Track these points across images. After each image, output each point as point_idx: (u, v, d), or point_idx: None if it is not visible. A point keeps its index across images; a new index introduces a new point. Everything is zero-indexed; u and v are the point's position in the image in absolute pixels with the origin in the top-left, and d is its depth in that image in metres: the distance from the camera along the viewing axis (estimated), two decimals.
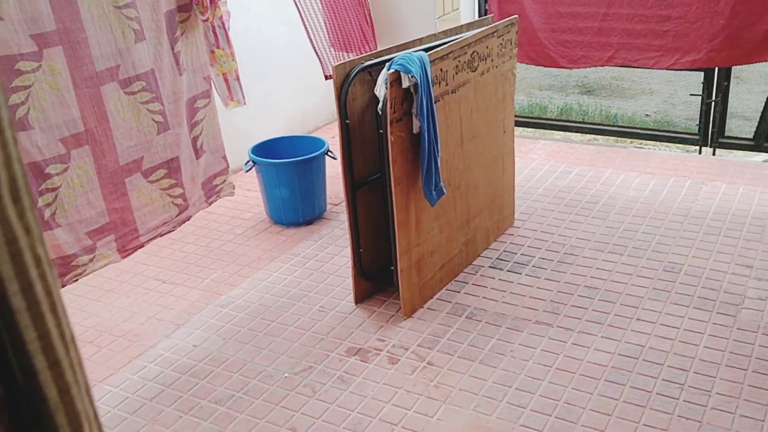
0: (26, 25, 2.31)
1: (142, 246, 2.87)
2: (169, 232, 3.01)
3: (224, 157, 3.25)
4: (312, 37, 4.17)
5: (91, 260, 2.65)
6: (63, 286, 2.58)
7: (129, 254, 2.82)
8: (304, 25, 4.12)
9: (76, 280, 2.64)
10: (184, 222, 3.07)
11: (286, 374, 2.81)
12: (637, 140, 5.21)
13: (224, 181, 3.27)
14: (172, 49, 2.87)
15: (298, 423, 2.55)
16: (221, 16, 3.06)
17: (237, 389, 2.74)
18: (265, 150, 4.08)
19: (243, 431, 2.53)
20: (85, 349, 3.03)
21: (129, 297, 3.41)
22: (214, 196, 3.23)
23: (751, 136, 4.59)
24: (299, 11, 4.09)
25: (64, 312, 0.45)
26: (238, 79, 3.27)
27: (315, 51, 4.18)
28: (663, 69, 4.48)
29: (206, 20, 2.98)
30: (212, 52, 3.11)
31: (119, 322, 3.21)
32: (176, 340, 3.06)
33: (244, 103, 3.33)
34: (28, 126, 2.36)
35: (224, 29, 3.12)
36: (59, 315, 0.45)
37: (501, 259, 3.53)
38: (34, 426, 0.44)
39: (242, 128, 4.78)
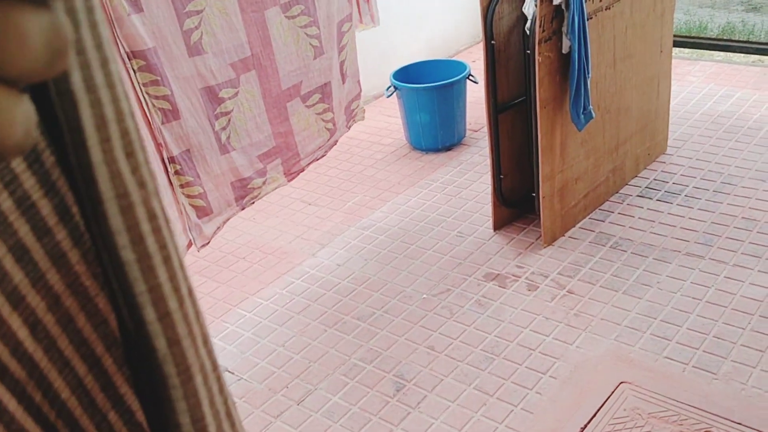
0: None
1: (303, 170, 2.95)
2: (323, 156, 3.09)
3: (359, 82, 3.27)
4: None
5: (264, 183, 2.76)
6: (242, 209, 2.69)
7: (293, 177, 2.91)
8: None
9: (253, 202, 2.74)
10: (333, 146, 3.14)
11: (425, 295, 2.87)
12: None
13: (358, 105, 3.30)
14: None
15: (436, 342, 2.61)
16: None
17: (378, 307, 2.83)
18: (407, 74, 4.06)
19: (383, 347, 2.63)
20: (237, 264, 3.23)
21: (278, 217, 3.58)
22: (352, 120, 3.28)
23: None
24: None
25: (182, 265, 0.45)
26: (369, 0, 3.24)
27: None
28: None
29: None
30: None
31: (269, 240, 3.39)
32: (321, 259, 3.19)
33: (376, 25, 3.29)
34: (202, 50, 2.44)
35: None
36: (174, 268, 0.44)
37: (650, 188, 3.37)
38: (145, 373, 0.45)
39: (384, 52, 4.79)
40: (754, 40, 5.34)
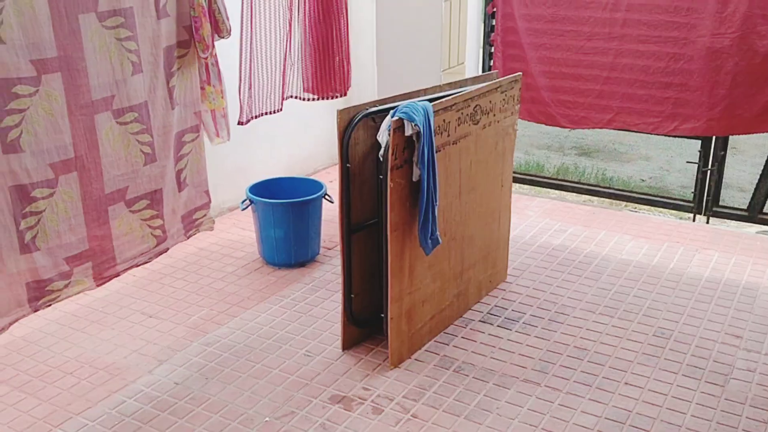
0: (28, 50, 2.33)
1: (117, 275, 2.85)
2: (145, 263, 3.00)
3: (206, 192, 3.25)
4: (242, 77, 3.82)
5: (66, 286, 2.63)
6: (35, 311, 2.55)
7: (104, 282, 2.80)
8: (240, 64, 3.76)
9: (50, 305, 2.61)
10: (161, 254, 3.06)
11: (267, 418, 2.75)
12: (632, 204, 5.24)
13: (204, 215, 3.27)
14: (167, 83, 2.90)
15: None
16: (215, 54, 3.11)
17: (216, 431, 2.68)
18: (263, 189, 4.08)
19: None
20: (64, 380, 2.97)
21: (113, 329, 3.36)
22: (194, 229, 3.23)
23: (745, 206, 4.62)
24: (241, 46, 3.74)
25: None
26: (225, 116, 3.30)
27: (239, 92, 3.82)
28: (662, 134, 4.53)
29: (206, 58, 3.03)
30: (202, 88, 3.14)
31: (102, 354, 3.16)
32: (158, 376, 3.01)
33: (228, 140, 3.35)
34: (18, 149, 2.36)
35: (217, 67, 3.17)
36: None
37: (492, 314, 3.51)
38: None
39: (242, 166, 4.80)
40: (585, 181, 5.88)
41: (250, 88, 3.87)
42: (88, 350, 3.18)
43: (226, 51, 3.89)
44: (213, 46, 3.05)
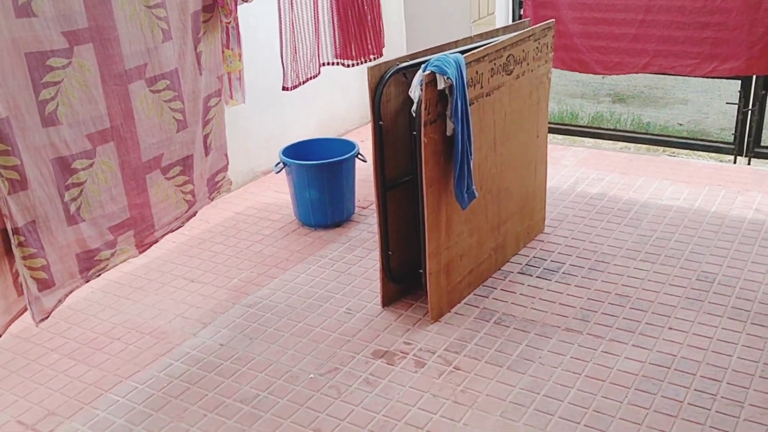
0: (59, 22, 2.34)
1: (156, 241, 2.90)
2: (179, 227, 3.04)
3: (226, 155, 3.28)
4: (283, 44, 3.77)
5: (112, 255, 2.68)
6: (87, 281, 2.60)
7: (145, 249, 2.84)
8: (280, 31, 3.73)
9: (99, 275, 2.66)
10: (191, 217, 3.10)
11: (312, 375, 2.80)
12: (670, 149, 5.13)
13: (224, 177, 3.30)
14: (195, 48, 2.89)
15: (323, 424, 2.53)
16: (236, 17, 3.08)
17: (262, 389, 2.73)
18: (296, 152, 4.08)
19: (267, 431, 2.52)
20: (112, 345, 3.05)
21: (157, 295, 3.43)
22: (216, 192, 3.27)
23: None
24: (279, 13, 3.70)
25: None
26: (240, 79, 3.29)
27: (281, 58, 3.79)
28: (701, 76, 4.40)
29: (228, 23, 3.01)
30: (222, 51, 3.13)
31: (147, 320, 3.23)
32: (203, 339, 3.07)
33: (244, 102, 3.34)
34: (56, 121, 2.38)
35: (237, 30, 3.15)
36: None
37: (530, 265, 3.49)
38: None
39: (274, 130, 4.80)
40: (620, 128, 5.76)
41: (294, 53, 3.83)
42: (133, 316, 3.26)
43: (268, 18, 3.84)
44: (236, 9, 3.03)
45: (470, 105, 2.89)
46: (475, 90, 2.96)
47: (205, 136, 3.08)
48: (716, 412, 2.47)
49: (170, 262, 3.72)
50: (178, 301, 3.37)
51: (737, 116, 4.54)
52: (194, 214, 3.13)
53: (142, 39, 2.64)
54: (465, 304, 3.21)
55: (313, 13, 3.90)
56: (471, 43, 3.18)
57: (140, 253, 2.82)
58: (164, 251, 3.80)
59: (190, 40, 2.85)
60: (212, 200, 3.28)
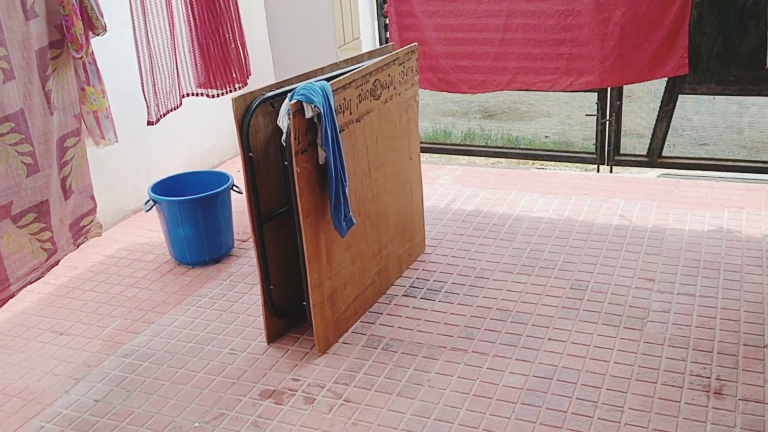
0: None
1: (13, 296, 2.68)
2: (38, 279, 2.83)
3: (92, 197, 3.10)
4: (143, 76, 3.65)
5: None
6: None
7: (0, 306, 2.63)
8: (139, 63, 3.62)
9: None
10: (53, 267, 2.90)
11: (197, 424, 2.67)
12: (538, 161, 5.35)
13: (92, 221, 3.12)
14: (43, 87, 2.72)
15: None
16: (92, 53, 2.94)
17: None
18: (167, 187, 3.92)
19: None
20: None
21: (23, 352, 3.17)
22: (82, 237, 3.09)
23: (645, 152, 4.79)
24: (136, 44, 3.59)
25: None
26: (109, 116, 3.13)
27: (143, 92, 3.67)
28: (559, 91, 4.62)
29: (81, 58, 2.86)
30: (82, 89, 2.98)
31: (13, 380, 2.98)
32: (76, 396, 2.86)
33: (117, 141, 3.20)
34: None
35: (95, 66, 3.00)
36: None
37: (414, 287, 3.51)
38: None
39: (142, 166, 4.61)
40: (491, 144, 5.97)
41: (154, 86, 3.69)
42: None
43: (127, 50, 3.73)
44: (88, 44, 2.87)
45: (341, 132, 2.88)
46: (345, 116, 2.95)
47: (63, 179, 2.89)
48: (598, 419, 2.56)
49: (35, 315, 3.46)
50: (46, 356, 3.13)
51: (597, 127, 4.80)
52: (56, 263, 2.93)
53: None
54: (352, 332, 3.17)
55: (170, 42, 3.78)
56: (337, 69, 3.17)
57: None
58: (28, 304, 3.54)
59: (36, 79, 2.67)
60: (78, 247, 3.08)
